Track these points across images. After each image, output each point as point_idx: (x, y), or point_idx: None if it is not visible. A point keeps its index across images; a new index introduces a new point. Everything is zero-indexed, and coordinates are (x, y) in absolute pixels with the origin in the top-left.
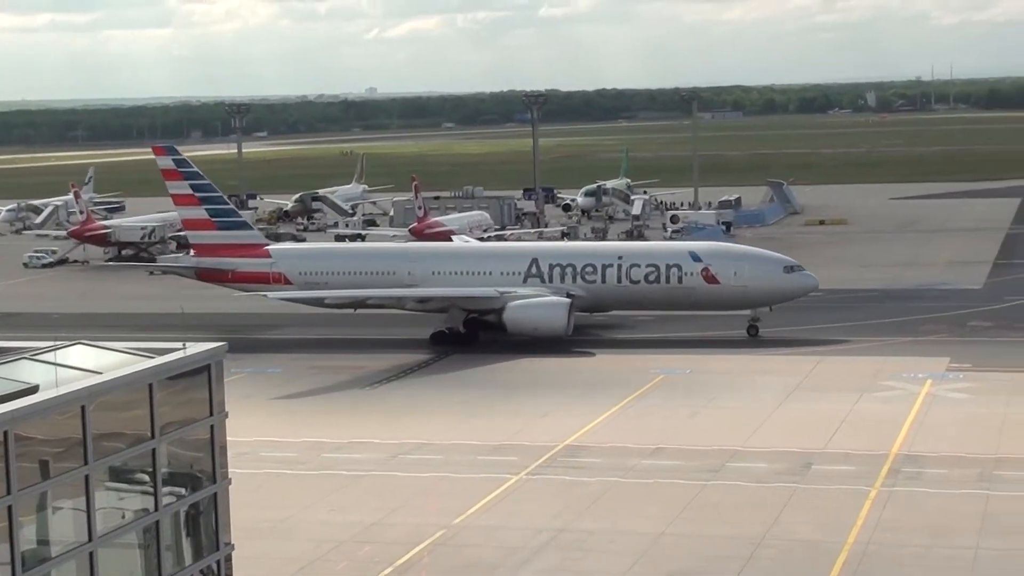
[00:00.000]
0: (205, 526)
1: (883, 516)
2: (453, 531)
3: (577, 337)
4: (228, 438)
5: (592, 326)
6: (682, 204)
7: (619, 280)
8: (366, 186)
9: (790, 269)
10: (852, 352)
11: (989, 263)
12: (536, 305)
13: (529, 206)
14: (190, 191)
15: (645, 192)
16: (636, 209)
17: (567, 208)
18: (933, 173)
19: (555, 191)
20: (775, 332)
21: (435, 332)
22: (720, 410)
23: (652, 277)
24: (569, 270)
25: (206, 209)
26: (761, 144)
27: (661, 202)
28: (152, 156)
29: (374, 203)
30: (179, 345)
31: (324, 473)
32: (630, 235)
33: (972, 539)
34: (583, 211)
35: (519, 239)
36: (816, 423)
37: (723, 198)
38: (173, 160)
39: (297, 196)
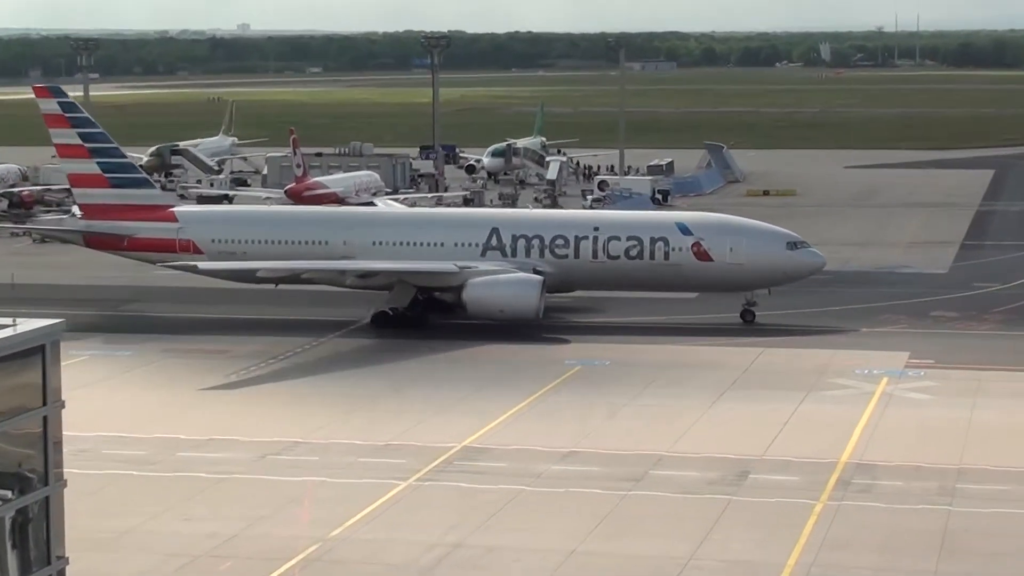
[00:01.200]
0: (34, 536)
1: (830, 533)
2: (329, 545)
3: (547, 321)
4: (64, 432)
5: (562, 309)
6: (607, 168)
7: (595, 255)
8: (235, 139)
9: (794, 245)
10: (798, 344)
11: (956, 244)
12: (503, 283)
13: (427, 167)
14: (79, 141)
15: (562, 153)
16: (551, 173)
17: (471, 170)
18: (895, 139)
19: (457, 150)
20: (709, 319)
21: (377, 313)
22: (644, 408)
23: (634, 252)
24: (536, 242)
25: (98, 163)
26: (698, 100)
27: (580, 165)
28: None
29: (244, 159)
30: (9, 321)
31: (179, 475)
32: (553, 201)
33: (931, 561)
34: (490, 174)
35: (414, 204)
36: (755, 425)
37: (653, 162)
38: (59, 103)
39: (153, 149)
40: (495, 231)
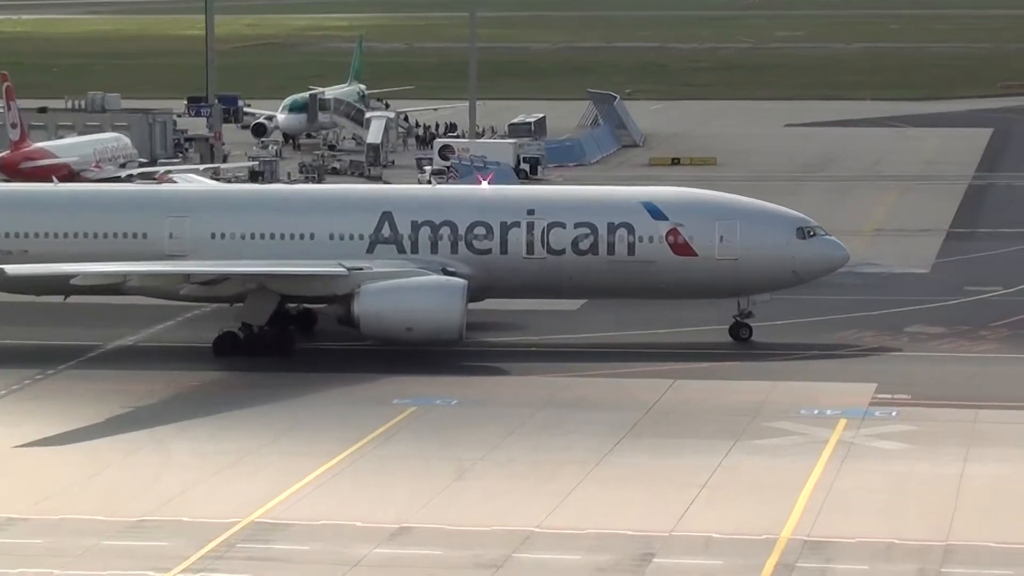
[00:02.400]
0: None
1: None
2: None
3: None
4: None
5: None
6: (448, 128)
7: (530, 249)
8: None
9: (806, 233)
10: (723, 373)
11: (941, 232)
12: (411, 290)
13: (197, 126)
14: None
15: (389, 107)
16: (374, 134)
17: (260, 131)
18: (855, 86)
19: (241, 103)
20: (592, 338)
21: (221, 336)
22: (506, 465)
23: (585, 244)
24: (446, 231)
25: None
26: (581, 32)
27: (415, 123)
28: None
29: None
30: None
31: None
32: (362, 173)
33: None
34: (287, 136)
35: (188, 181)
36: (661, 488)
37: (517, 119)
38: None
39: None
40: (387, 217)
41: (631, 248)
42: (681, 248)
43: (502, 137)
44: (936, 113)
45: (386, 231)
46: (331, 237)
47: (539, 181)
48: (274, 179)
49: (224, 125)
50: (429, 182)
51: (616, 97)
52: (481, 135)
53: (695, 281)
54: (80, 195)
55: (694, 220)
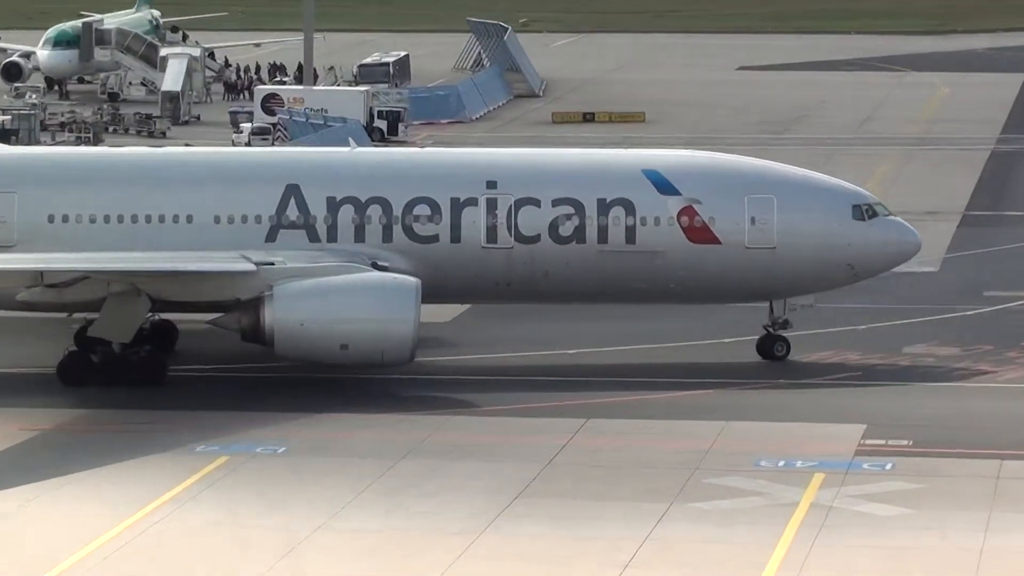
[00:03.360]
0: None
1: None
2: None
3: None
4: None
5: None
6: (273, 70)
7: (491, 237)
8: None
9: (864, 212)
10: (652, 408)
11: (955, 216)
12: (347, 292)
13: None
14: None
15: (193, 42)
16: (172, 79)
17: (14, 73)
18: (833, 14)
19: None
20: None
21: (68, 358)
22: (354, 536)
23: (569, 229)
24: (376, 212)
25: None
26: None
27: (229, 64)
28: None
29: None
30: None
31: None
32: (150, 133)
33: None
34: (52, 81)
35: None
36: (567, 572)
37: (370, 58)
38: None
39: None
40: (293, 192)
41: (630, 233)
42: (698, 233)
43: (349, 83)
44: (946, 52)
45: (292, 211)
46: (216, 220)
47: (405, 142)
48: (32, 139)
49: None
50: (247, 143)
51: (507, 29)
52: (325, 80)
53: (717, 279)
54: None
55: (716, 195)
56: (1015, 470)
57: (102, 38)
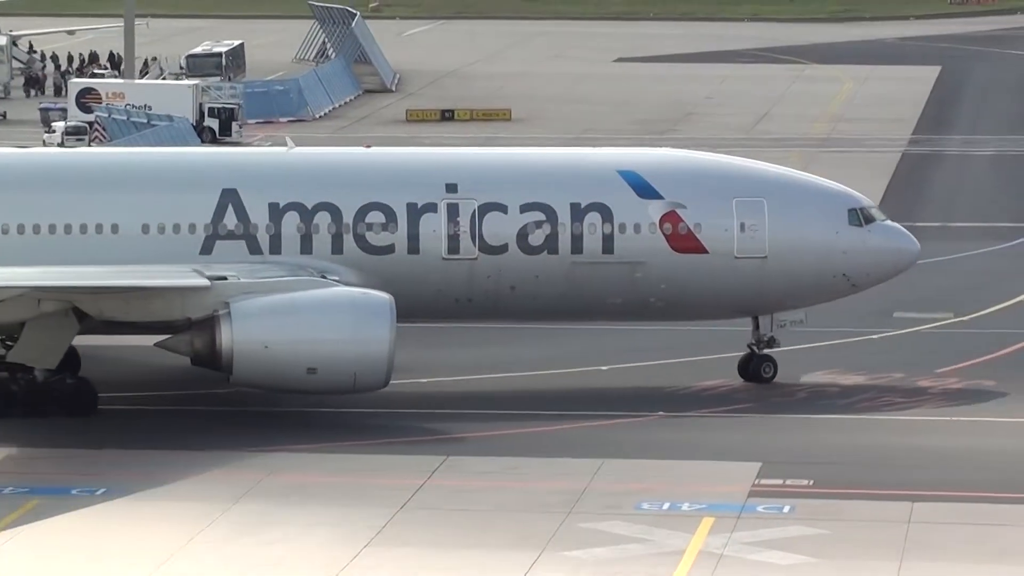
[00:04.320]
0: None
1: None
2: None
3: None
4: None
5: None
6: (85, 62)
7: (453, 248)
8: None
9: (861, 216)
10: (520, 443)
11: None
12: (314, 309)
13: None
14: None
15: None
16: None
17: None
18: None
19: None
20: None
21: None
22: None
23: (537, 237)
24: (324, 219)
25: None
26: None
27: (39, 54)
28: None
29: None
30: None
31: None
32: None
33: None
34: None
35: None
36: None
37: (201, 47)
38: None
39: None
40: (230, 197)
41: (607, 242)
42: (683, 241)
43: (176, 76)
44: (852, 42)
45: (230, 220)
46: (145, 230)
47: (236, 144)
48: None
49: None
50: (61, 144)
51: (355, 15)
52: (145, 73)
53: (703, 292)
54: None
55: (701, 198)
56: (928, 513)
57: None
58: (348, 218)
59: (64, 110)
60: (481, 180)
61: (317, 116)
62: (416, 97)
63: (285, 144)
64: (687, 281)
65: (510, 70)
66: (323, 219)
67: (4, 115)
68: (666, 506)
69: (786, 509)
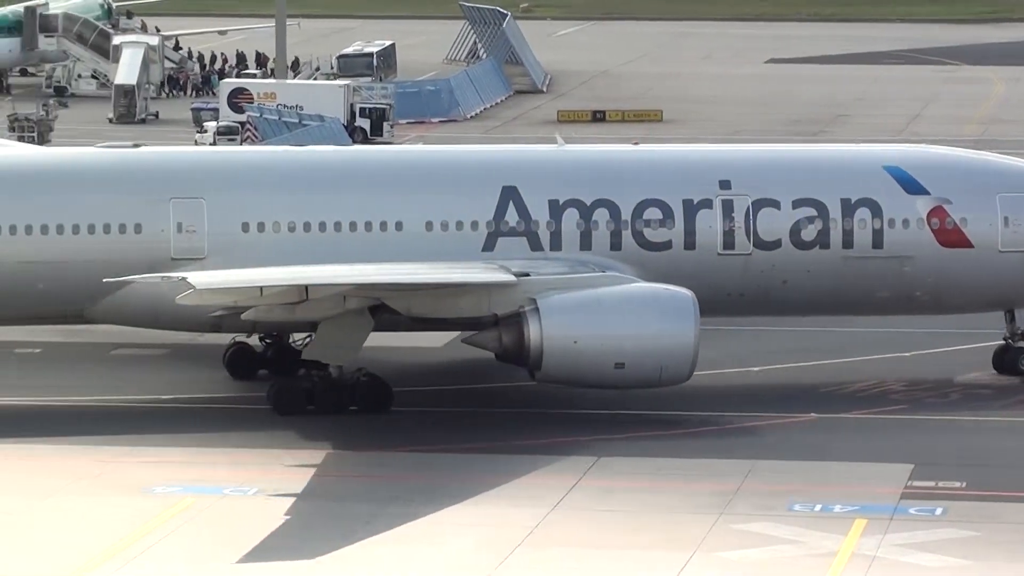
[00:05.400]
0: None
1: None
2: None
3: None
4: None
5: None
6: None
7: (728, 243)
8: None
9: None
10: (667, 446)
11: None
12: (619, 305)
13: None
14: None
15: (151, 29)
16: (127, 71)
17: None
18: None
19: None
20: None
21: (282, 387)
22: None
23: (812, 233)
24: (603, 216)
25: None
26: None
27: (190, 53)
28: None
29: None
30: None
31: None
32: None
33: None
34: None
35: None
36: None
37: (351, 47)
38: None
39: None
40: (510, 195)
41: (877, 237)
42: (950, 236)
43: (328, 76)
44: (1003, 43)
45: (512, 216)
46: (428, 227)
47: (393, 140)
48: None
49: None
50: (213, 143)
51: (506, 15)
52: (296, 73)
53: (967, 286)
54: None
55: (965, 193)
56: None
57: (47, 24)
58: (626, 215)
59: (216, 110)
60: (753, 176)
61: (468, 116)
62: (567, 98)
63: (555, 141)
64: (953, 275)
65: (660, 71)
66: (602, 216)
67: (156, 115)
68: (818, 507)
69: (938, 511)
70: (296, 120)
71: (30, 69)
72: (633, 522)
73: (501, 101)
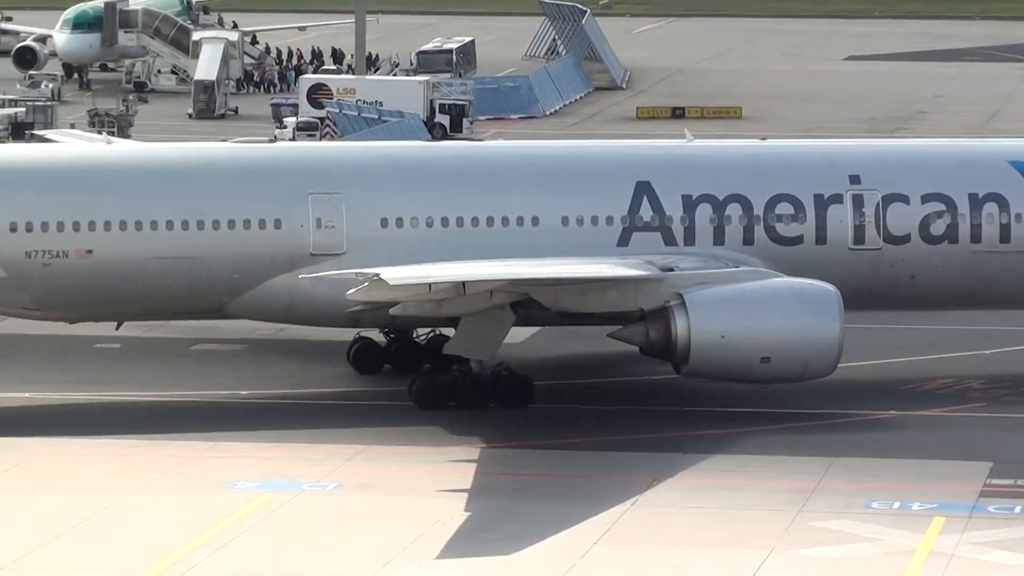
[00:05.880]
0: None
1: None
2: None
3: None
4: None
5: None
6: (313, 56)
7: (859, 238)
8: None
9: None
10: (744, 442)
11: None
12: (765, 300)
13: None
14: None
15: (229, 24)
16: (207, 67)
17: (28, 60)
18: None
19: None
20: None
21: (423, 379)
22: None
23: (940, 228)
24: (735, 211)
25: None
26: None
27: (271, 50)
28: None
29: None
30: None
31: None
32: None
33: None
34: (70, 68)
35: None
36: None
37: (431, 44)
38: None
39: None
40: (645, 189)
41: (1005, 231)
42: None
43: (407, 72)
44: None
45: (646, 211)
46: (564, 222)
47: (471, 136)
48: (33, 138)
49: None
50: (292, 139)
51: (586, 12)
52: (376, 68)
53: None
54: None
55: None
56: None
57: (127, 20)
58: (758, 209)
59: (295, 106)
60: (882, 171)
61: (547, 113)
62: (646, 95)
63: (684, 136)
64: None
65: (739, 68)
66: (734, 210)
67: (236, 110)
68: (896, 505)
69: (1017, 509)
70: (375, 116)
71: (110, 65)
72: (712, 518)
73: (580, 97)
